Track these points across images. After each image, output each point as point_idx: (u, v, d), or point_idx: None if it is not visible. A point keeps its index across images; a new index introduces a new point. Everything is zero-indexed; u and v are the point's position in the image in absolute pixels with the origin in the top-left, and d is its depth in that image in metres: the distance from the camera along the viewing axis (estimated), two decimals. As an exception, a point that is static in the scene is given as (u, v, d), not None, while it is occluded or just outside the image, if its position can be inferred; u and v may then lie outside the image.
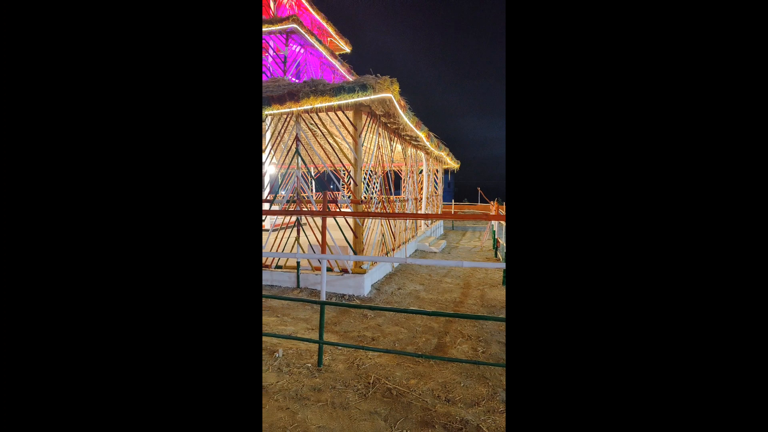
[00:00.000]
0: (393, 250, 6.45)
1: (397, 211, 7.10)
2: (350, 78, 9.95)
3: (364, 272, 4.85)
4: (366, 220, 5.15)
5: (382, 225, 5.92)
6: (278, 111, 4.75)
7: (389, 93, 4.37)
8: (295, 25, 7.18)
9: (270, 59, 8.11)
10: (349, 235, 5.08)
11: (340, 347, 3.12)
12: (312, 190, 10.07)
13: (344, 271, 4.88)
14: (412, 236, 8.34)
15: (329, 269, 4.96)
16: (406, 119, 5.49)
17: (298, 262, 5.10)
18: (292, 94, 4.50)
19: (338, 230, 5.06)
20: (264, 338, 3.27)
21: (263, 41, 7.92)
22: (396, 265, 6.42)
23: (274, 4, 8.51)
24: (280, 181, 11.21)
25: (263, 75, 7.99)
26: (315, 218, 5.38)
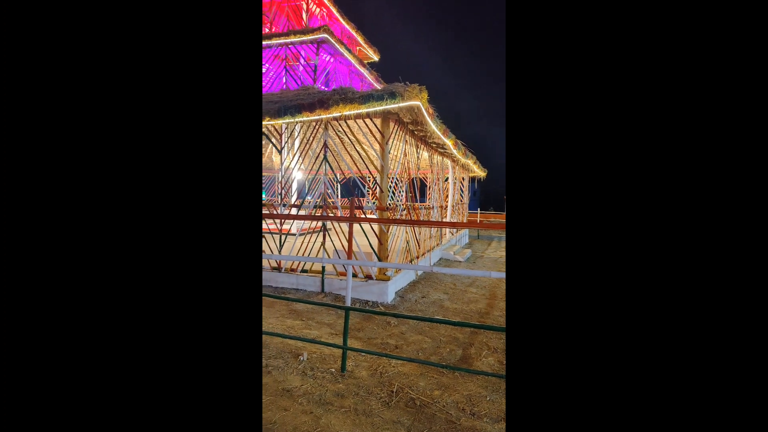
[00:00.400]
0: (417, 257, 6.41)
1: (422, 218, 7.07)
2: (378, 86, 10.07)
3: (388, 279, 4.85)
4: (391, 226, 5.16)
5: (406, 232, 5.91)
6: (308, 118, 4.87)
7: (417, 101, 4.39)
8: (326, 35, 7.37)
9: (301, 68, 8.35)
10: (374, 242, 5.09)
11: (363, 354, 3.11)
12: (338, 196, 10.20)
13: (368, 277, 4.90)
14: (437, 244, 8.26)
15: (353, 275, 4.99)
16: (433, 127, 5.49)
17: (323, 267, 5.16)
18: (322, 102, 4.60)
19: (363, 236, 5.09)
20: (289, 341, 3.32)
21: (294, 50, 8.17)
22: (420, 273, 6.37)
23: (307, 15, 8.77)
24: (307, 186, 11.46)
25: (294, 83, 8.23)
26: (341, 224, 5.44)
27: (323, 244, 5.33)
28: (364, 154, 5.62)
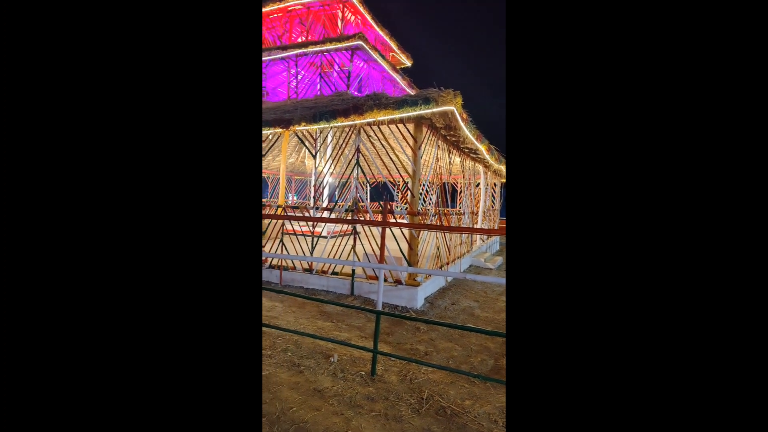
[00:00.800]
0: (447, 264, 6.34)
1: (452, 224, 6.99)
2: (410, 91, 10.10)
3: (418, 285, 4.82)
4: (421, 232, 5.14)
5: (437, 238, 5.86)
6: (342, 123, 4.97)
7: (452, 106, 4.36)
8: (360, 42, 7.50)
9: (335, 74, 8.54)
10: (404, 247, 5.09)
11: (393, 359, 3.11)
12: (368, 200, 10.30)
13: (398, 282, 4.90)
14: (467, 251, 8.13)
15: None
16: (467, 132, 5.43)
17: (353, 270, 5.22)
18: (357, 107, 4.68)
19: (393, 240, 5.11)
20: (320, 342, 3.38)
21: (329, 57, 8.37)
22: (450, 279, 6.29)
23: (342, 23, 8.98)
24: (337, 191, 11.66)
25: (328, 89, 8.42)
26: (371, 227, 5.49)
27: (353, 247, 5.39)
28: (396, 158, 5.66)
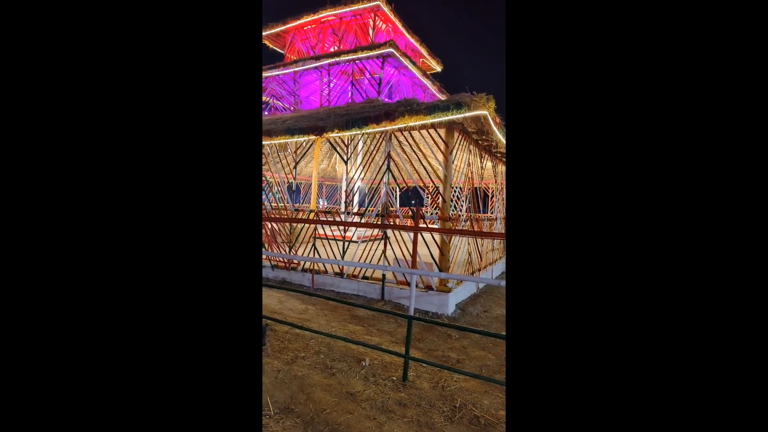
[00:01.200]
0: (479, 270, 6.22)
1: (484, 230, 6.85)
2: (441, 96, 10.07)
3: (449, 291, 4.76)
4: (453, 237, 5.08)
5: (468, 243, 5.77)
6: (374, 130, 5.03)
7: (484, 110, 4.31)
8: (391, 50, 7.59)
9: (366, 81, 8.68)
10: (435, 252, 5.05)
11: (424, 365, 3.09)
12: (397, 205, 10.32)
13: (428, 287, 4.86)
14: (499, 257, 7.94)
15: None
16: (499, 136, 5.34)
17: (383, 275, 5.24)
18: (388, 114, 4.73)
19: (424, 246, 5.09)
20: (351, 345, 3.41)
21: (360, 65, 8.52)
22: (482, 286, 6.16)
23: (373, 31, 9.13)
24: (367, 196, 11.77)
25: (359, 96, 8.56)
26: (401, 232, 5.50)
27: (384, 252, 5.42)
28: (426, 163, 5.65)
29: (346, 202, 6.40)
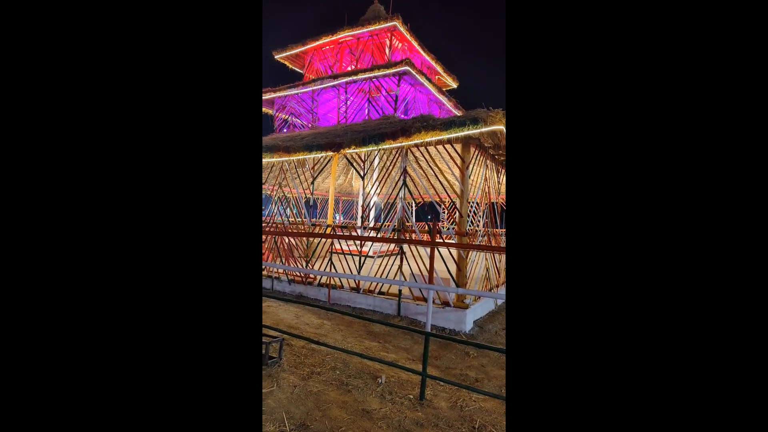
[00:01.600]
0: (497, 286, 6.09)
1: (502, 245, 6.75)
2: (456, 112, 10.13)
3: (467, 307, 4.68)
4: (470, 252, 5.02)
5: (486, 259, 5.69)
6: (390, 146, 5.10)
7: (501, 125, 4.31)
8: (407, 68, 7.73)
9: (382, 98, 8.84)
10: (452, 267, 4.99)
11: (442, 383, 3.02)
12: (413, 220, 10.32)
13: (445, 303, 4.79)
14: (518, 273, 7.75)
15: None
16: (516, 151, 5.30)
17: (399, 290, 5.20)
18: (405, 130, 4.79)
19: (440, 261, 5.04)
20: (367, 362, 3.37)
21: (377, 83, 8.70)
22: (500, 302, 6.02)
23: (390, 50, 9.34)
24: (383, 211, 11.80)
25: (375, 113, 8.71)
26: (418, 247, 5.47)
27: (400, 267, 5.39)
28: (443, 178, 5.66)
29: (362, 217, 6.43)
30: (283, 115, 10.63)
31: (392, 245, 6.55)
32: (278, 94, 10.24)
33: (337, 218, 15.80)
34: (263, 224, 7.07)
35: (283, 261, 6.59)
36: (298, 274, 6.34)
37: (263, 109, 11.14)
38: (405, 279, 5.54)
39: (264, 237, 6.52)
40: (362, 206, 6.93)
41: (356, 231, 6.62)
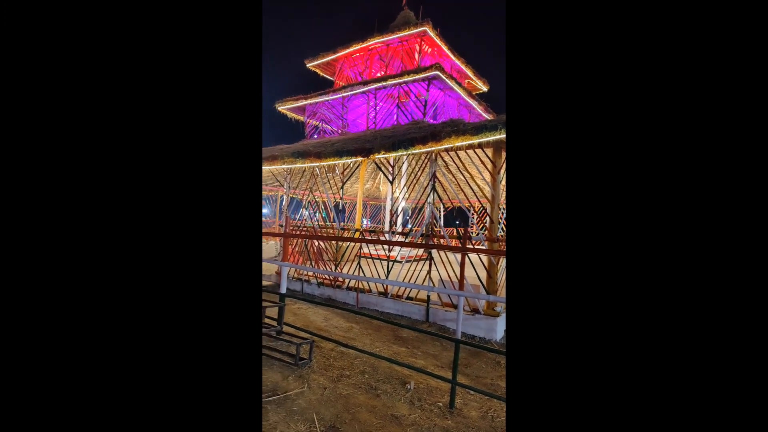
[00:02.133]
0: (529, 294, 5.89)
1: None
2: (487, 116, 9.98)
3: (497, 315, 4.56)
4: (501, 259, 4.90)
5: (517, 266, 5.52)
6: (420, 150, 5.09)
7: (534, 129, 4.20)
8: (437, 72, 7.72)
9: (411, 103, 8.86)
10: (482, 274, 4.89)
11: (472, 392, 2.95)
12: (441, 224, 10.23)
13: (475, 310, 4.69)
14: (551, 282, 7.48)
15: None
16: (550, 155, 5.14)
17: (428, 296, 5.15)
18: (434, 135, 4.77)
19: (470, 267, 4.95)
20: (396, 367, 3.36)
21: (406, 88, 8.74)
22: (532, 311, 5.82)
23: (419, 55, 9.37)
24: (410, 216, 11.78)
25: (404, 118, 8.74)
26: (447, 253, 5.41)
27: (429, 272, 5.35)
28: (473, 183, 5.58)
29: (390, 222, 6.45)
30: (314, 122, 10.89)
31: (420, 250, 6.52)
32: (309, 101, 10.52)
33: (365, 222, 15.93)
34: (294, 228, 7.25)
35: (313, 264, 6.72)
36: (328, 277, 6.44)
37: (295, 116, 11.48)
38: (434, 285, 5.48)
39: (294, 240, 6.68)
40: (390, 211, 6.95)
41: (384, 236, 6.64)
